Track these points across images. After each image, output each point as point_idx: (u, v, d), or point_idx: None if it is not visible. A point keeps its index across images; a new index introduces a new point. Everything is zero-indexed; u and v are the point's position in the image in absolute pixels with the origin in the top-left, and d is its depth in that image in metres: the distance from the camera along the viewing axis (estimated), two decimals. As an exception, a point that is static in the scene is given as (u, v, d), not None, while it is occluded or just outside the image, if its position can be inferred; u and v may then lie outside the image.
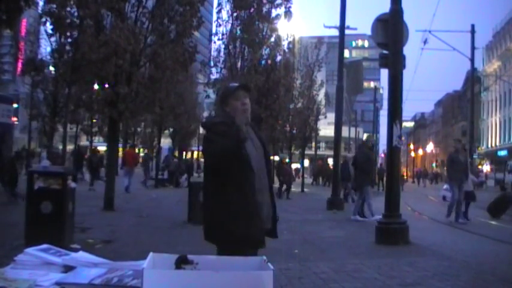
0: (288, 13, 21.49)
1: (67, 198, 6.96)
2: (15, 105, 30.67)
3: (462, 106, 68.06)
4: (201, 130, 43.40)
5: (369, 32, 10.67)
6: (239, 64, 20.73)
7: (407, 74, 10.31)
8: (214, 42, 22.17)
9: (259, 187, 3.23)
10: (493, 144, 57.87)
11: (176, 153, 35.72)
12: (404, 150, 70.81)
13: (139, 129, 39.25)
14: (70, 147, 32.10)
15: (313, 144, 37.43)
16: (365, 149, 13.40)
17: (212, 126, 3.32)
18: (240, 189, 3.18)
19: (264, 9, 20.64)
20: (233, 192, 3.18)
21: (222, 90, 3.39)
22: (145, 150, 34.48)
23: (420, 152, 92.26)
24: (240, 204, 3.15)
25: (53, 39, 20.85)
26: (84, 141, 41.69)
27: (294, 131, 28.62)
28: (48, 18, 13.34)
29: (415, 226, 10.08)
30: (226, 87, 3.58)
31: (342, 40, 18.02)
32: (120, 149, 24.36)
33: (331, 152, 24.00)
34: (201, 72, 26.89)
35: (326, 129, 34.00)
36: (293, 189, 28.67)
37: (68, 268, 1.88)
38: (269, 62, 21.32)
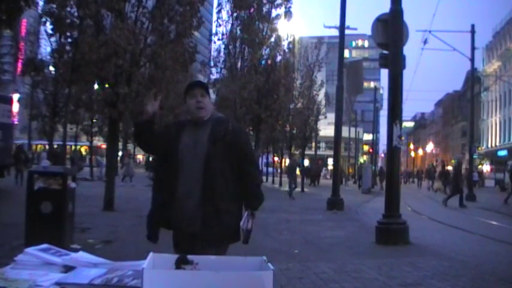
0: (288, 13, 21.52)
1: (67, 198, 6.95)
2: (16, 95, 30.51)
3: (462, 106, 68.00)
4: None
5: (369, 32, 10.68)
6: (239, 64, 20.75)
7: (407, 74, 10.33)
8: (214, 42, 22.22)
9: (186, 188, 3.12)
10: (493, 144, 57.84)
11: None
12: (404, 150, 70.80)
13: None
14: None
15: (313, 144, 37.45)
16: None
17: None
18: (158, 187, 3.31)
19: (264, 9, 20.65)
20: (154, 191, 3.33)
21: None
22: None
23: (420, 152, 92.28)
24: (156, 202, 3.25)
25: (53, 39, 20.76)
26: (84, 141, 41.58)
27: (294, 131, 28.64)
28: (48, 18, 13.34)
29: (415, 226, 10.09)
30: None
31: (342, 40, 18.01)
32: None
33: (331, 152, 23.96)
34: (201, 72, 26.91)
35: (326, 129, 34.05)
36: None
37: (68, 268, 1.88)
38: (269, 62, 21.31)
